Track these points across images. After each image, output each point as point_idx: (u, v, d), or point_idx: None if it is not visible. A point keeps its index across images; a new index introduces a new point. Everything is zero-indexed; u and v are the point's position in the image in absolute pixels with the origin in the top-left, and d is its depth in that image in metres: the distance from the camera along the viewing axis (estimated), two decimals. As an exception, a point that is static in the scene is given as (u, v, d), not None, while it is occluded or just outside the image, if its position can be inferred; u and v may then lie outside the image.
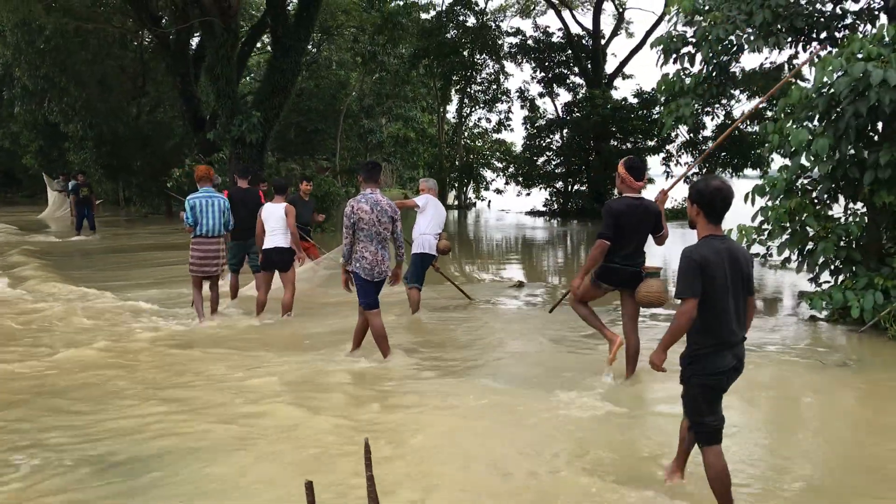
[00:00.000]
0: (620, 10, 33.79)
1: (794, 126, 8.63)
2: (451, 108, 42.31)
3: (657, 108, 30.25)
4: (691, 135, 29.74)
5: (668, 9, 10.44)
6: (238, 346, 7.87)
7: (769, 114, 26.51)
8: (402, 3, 34.98)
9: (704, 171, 29.19)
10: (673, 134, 30.23)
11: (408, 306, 9.51)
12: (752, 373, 6.74)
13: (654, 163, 31.47)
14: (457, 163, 35.99)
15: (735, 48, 10.03)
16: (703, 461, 3.86)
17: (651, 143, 30.98)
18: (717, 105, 25.97)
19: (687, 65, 10.58)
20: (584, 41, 32.83)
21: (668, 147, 30.66)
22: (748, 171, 28.82)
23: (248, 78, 35.23)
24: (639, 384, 6.30)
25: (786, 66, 10.42)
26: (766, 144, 9.05)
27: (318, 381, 6.43)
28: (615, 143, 31.11)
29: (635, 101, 30.82)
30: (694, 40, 10.49)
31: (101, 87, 27.50)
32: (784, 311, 10.30)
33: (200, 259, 8.80)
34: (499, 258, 18.33)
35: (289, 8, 22.18)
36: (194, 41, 25.93)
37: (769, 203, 9.34)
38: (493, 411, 5.57)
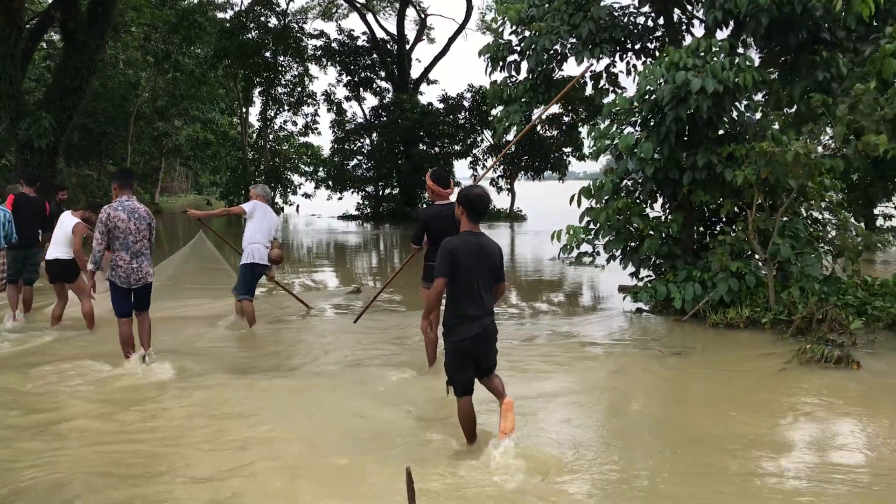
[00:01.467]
0: (423, 15, 34.51)
1: (619, 130, 9.26)
2: (254, 111, 41.29)
3: (462, 115, 31.31)
4: (494, 140, 31.03)
5: (495, 18, 10.76)
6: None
7: (565, 119, 28.36)
8: (196, 1, 33.62)
9: (507, 174, 30.58)
10: (479, 139, 31.41)
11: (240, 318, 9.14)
12: (603, 365, 7.26)
13: (461, 167, 32.53)
14: (262, 167, 35.08)
15: (560, 57, 10.54)
16: (457, 408, 4.84)
17: (457, 148, 31.95)
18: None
19: (514, 73, 10.98)
20: (388, 46, 33.17)
21: (474, 151, 31.73)
22: (547, 174, 30.54)
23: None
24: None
25: (604, 74, 11.10)
26: (591, 148, 9.58)
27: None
28: (423, 147, 31.72)
29: (441, 106, 31.59)
30: (519, 49, 10.91)
31: None
32: (607, 305, 10.96)
33: None
34: (331, 263, 18.06)
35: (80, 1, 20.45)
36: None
37: (594, 204, 9.93)
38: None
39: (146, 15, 31.83)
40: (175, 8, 33.35)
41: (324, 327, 9.50)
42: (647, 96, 8.78)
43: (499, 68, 10.98)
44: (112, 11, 20.38)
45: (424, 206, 7.27)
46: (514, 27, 10.75)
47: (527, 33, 10.65)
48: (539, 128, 28.00)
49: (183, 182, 57.07)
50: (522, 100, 10.81)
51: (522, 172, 31.02)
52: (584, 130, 29.47)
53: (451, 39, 32.92)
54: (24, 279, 9.39)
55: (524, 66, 10.90)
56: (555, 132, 29.91)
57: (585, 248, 10.12)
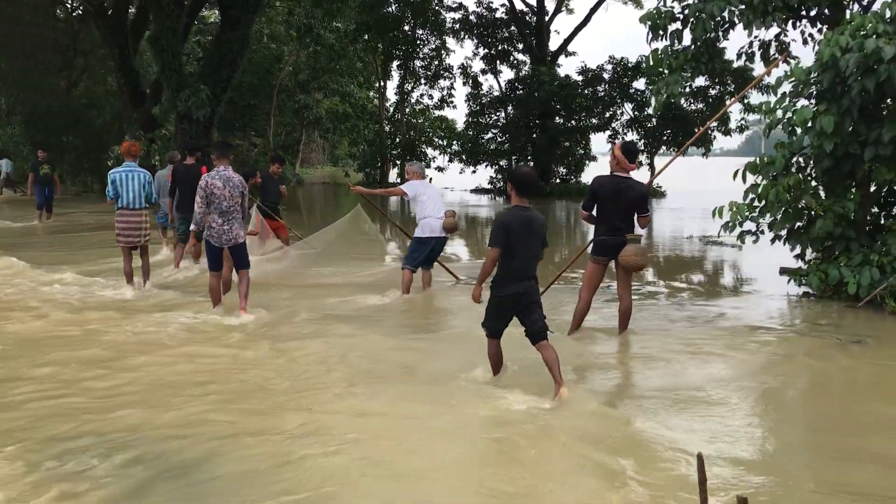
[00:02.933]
0: (563, -14, 33.80)
1: (793, 103, 8.70)
2: (391, 85, 41.90)
3: (602, 87, 30.54)
4: (635, 113, 30.10)
5: (656, -17, 10.30)
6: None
7: (712, 91, 27.11)
8: (338, -25, 34.19)
9: (647, 148, 29.65)
10: (619, 112, 30.57)
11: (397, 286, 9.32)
12: (776, 350, 6.87)
13: (598, 140, 31.83)
14: (398, 140, 35.54)
15: (727, 24, 10.00)
16: (487, 344, 5.67)
17: (595, 121, 31.22)
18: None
19: (675, 41, 10.51)
20: (527, 17, 32.74)
21: (612, 124, 30.92)
22: (692, 150, 29.36)
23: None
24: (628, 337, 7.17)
25: (773, 44, 10.46)
26: (766, 121, 9.03)
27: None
28: (560, 121, 31.20)
29: (580, 78, 30.92)
30: (682, 17, 10.43)
31: (29, 59, 25.96)
32: (765, 287, 10.35)
33: (123, 230, 9.15)
34: (466, 236, 18.10)
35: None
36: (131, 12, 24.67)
37: (761, 180, 9.40)
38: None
39: (291, -11, 32.74)
40: (318, -19, 34.13)
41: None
42: (827, 66, 8.16)
43: (660, 37, 10.53)
44: (265, -14, 21.04)
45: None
46: (677, -7, 10.26)
47: (691, 1, 10.17)
48: (683, 100, 26.94)
49: (319, 154, 58.73)
50: (684, 71, 10.34)
51: (665, 147, 29.96)
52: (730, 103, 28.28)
53: (593, 10, 32.10)
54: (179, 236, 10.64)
55: (686, 34, 10.41)
56: (700, 105, 28.70)
57: (748, 226, 9.63)
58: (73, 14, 27.24)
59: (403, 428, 4.79)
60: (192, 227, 8.13)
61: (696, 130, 28.10)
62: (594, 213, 7.14)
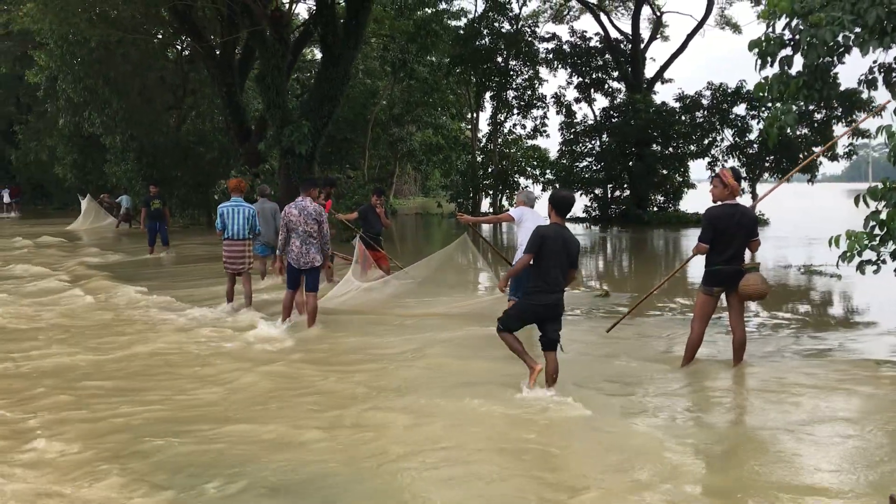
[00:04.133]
0: (658, 13, 33.50)
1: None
2: (484, 115, 42.16)
3: (700, 113, 29.98)
4: (736, 139, 29.39)
5: (765, 11, 10.05)
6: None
7: (817, 116, 26.16)
8: (431, 10, 34.84)
9: (749, 175, 28.85)
10: (718, 138, 29.91)
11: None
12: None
13: (697, 167, 31.16)
14: (491, 170, 35.73)
15: (842, 49, 9.65)
16: (505, 336, 6.21)
17: (693, 148, 30.62)
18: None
19: (786, 68, 10.20)
20: (622, 45, 32.54)
21: (712, 151, 30.26)
22: (796, 176, 28.40)
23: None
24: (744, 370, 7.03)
25: (894, 66, 10.02)
26: (886, 144, 8.64)
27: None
28: (657, 148, 30.75)
29: (677, 105, 30.45)
30: (792, 42, 10.13)
31: (142, 98, 27.44)
32: (886, 319, 9.86)
33: (228, 258, 10.21)
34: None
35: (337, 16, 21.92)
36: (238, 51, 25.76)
37: (883, 207, 8.97)
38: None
39: (386, 26, 33.56)
40: (412, 18, 34.83)
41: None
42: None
43: (769, 63, 10.25)
44: (365, 25, 21.62)
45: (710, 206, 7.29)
46: (788, 19, 9.97)
47: (801, 26, 9.87)
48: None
49: (412, 185, 59.60)
50: (797, 99, 10.01)
51: (767, 174, 29.09)
52: (836, 129, 27.24)
53: (689, 36, 31.69)
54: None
55: (797, 59, 10.10)
56: (805, 130, 27.77)
57: (868, 255, 9.19)
58: (183, 55, 28.61)
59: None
60: (277, 252, 9.25)
61: (801, 156, 27.23)
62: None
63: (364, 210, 12.12)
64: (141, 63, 26.82)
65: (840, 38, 9.53)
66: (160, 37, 26.78)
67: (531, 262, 6.02)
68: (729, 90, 29.39)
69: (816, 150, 27.47)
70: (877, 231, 9.01)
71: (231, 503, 4.22)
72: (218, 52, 23.78)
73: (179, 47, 28.69)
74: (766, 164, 29.00)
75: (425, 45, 33.46)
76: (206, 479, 4.48)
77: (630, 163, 31.05)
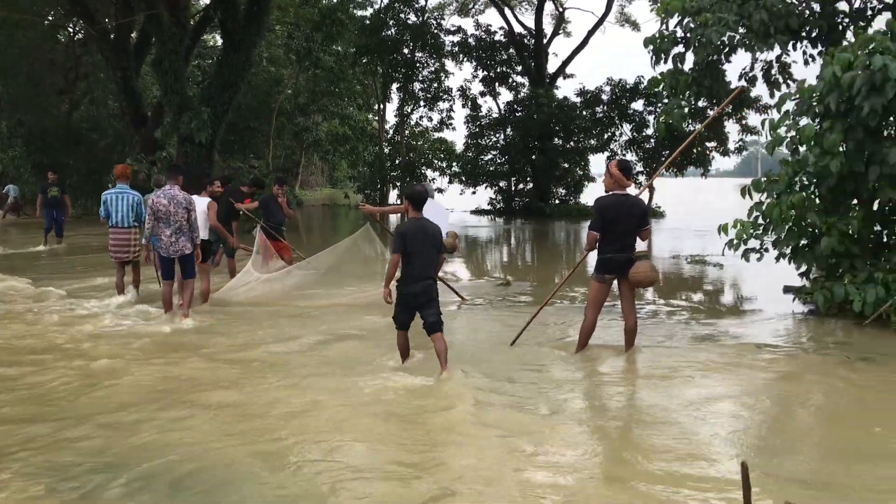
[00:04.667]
0: (561, 9, 34.15)
1: (795, 122, 8.80)
2: (391, 107, 42.06)
3: (600, 108, 30.77)
4: (634, 133, 30.30)
5: (658, 9, 10.44)
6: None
7: (709, 112, 27.24)
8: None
9: (646, 169, 29.79)
10: (617, 133, 30.77)
11: None
12: (784, 368, 6.92)
13: (597, 161, 32.00)
14: (398, 161, 35.72)
15: (727, 49, 10.12)
16: (396, 336, 6.64)
17: (594, 142, 31.42)
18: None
19: (679, 65, 10.63)
20: (525, 40, 33.03)
21: (611, 146, 31.12)
22: (690, 170, 29.58)
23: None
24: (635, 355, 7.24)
25: (774, 65, 10.59)
26: (767, 139, 9.13)
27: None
28: (559, 142, 31.39)
29: (578, 100, 31.15)
30: (683, 40, 10.56)
31: (30, 82, 26.11)
32: (769, 306, 10.39)
33: (113, 246, 10.04)
34: (468, 256, 18.14)
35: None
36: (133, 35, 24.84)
37: (765, 199, 9.47)
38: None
39: (291, 14, 33.01)
40: (318, 6, 34.38)
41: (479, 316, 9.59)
42: (832, 84, 8.26)
43: (663, 60, 10.66)
44: (268, 12, 21.22)
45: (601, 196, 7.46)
46: (680, 17, 10.38)
47: (692, 24, 10.29)
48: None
49: (318, 176, 58.91)
50: (688, 95, 10.45)
51: (664, 168, 30.10)
52: (728, 125, 28.47)
53: (591, 33, 32.44)
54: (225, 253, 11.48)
55: (689, 56, 10.54)
56: (696, 125, 28.85)
57: (753, 243, 9.70)
58: (75, 38, 27.39)
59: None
60: (143, 241, 9.22)
61: (695, 151, 28.32)
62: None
63: (265, 200, 11.87)
64: (29, 45, 25.51)
65: (726, 39, 9.97)
66: (50, 18, 25.48)
67: (401, 259, 6.32)
68: (628, 86, 30.27)
69: (710, 145, 28.73)
70: (760, 220, 9.54)
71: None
72: (112, 36, 22.89)
73: (71, 30, 27.44)
74: (663, 158, 30.00)
75: (331, 34, 33.08)
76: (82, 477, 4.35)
77: (533, 156, 31.61)
